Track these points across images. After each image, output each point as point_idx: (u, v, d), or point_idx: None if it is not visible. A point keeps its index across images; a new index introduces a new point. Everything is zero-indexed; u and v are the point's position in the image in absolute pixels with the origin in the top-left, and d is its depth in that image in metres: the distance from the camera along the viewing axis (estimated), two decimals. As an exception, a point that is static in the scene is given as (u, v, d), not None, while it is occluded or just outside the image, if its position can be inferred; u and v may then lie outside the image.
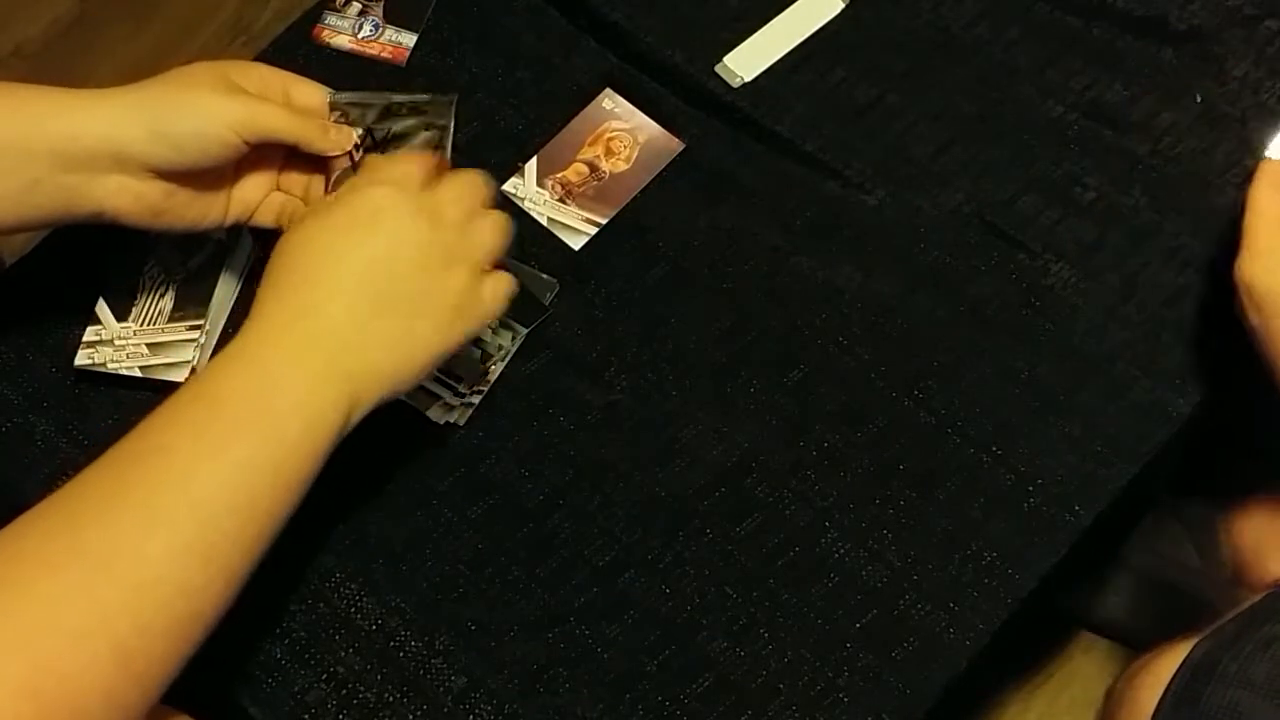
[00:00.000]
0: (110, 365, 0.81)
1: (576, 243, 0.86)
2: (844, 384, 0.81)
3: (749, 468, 0.79)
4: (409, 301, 0.67)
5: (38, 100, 0.71)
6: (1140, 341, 0.81)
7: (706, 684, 0.73)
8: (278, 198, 0.77)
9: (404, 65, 0.92)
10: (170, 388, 0.80)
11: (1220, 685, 0.72)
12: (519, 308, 0.82)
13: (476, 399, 0.81)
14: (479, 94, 0.92)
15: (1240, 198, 0.75)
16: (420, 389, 0.80)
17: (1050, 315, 0.82)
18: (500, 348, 0.82)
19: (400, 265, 0.67)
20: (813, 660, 0.73)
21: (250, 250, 0.84)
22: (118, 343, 0.82)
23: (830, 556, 0.76)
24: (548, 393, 0.82)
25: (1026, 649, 1.23)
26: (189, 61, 0.74)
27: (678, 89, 0.91)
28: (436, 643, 0.75)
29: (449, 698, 0.73)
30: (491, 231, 0.71)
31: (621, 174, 0.88)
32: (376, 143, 0.75)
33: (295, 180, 0.77)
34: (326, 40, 0.93)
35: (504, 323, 0.82)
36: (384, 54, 0.93)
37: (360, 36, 0.93)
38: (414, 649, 0.75)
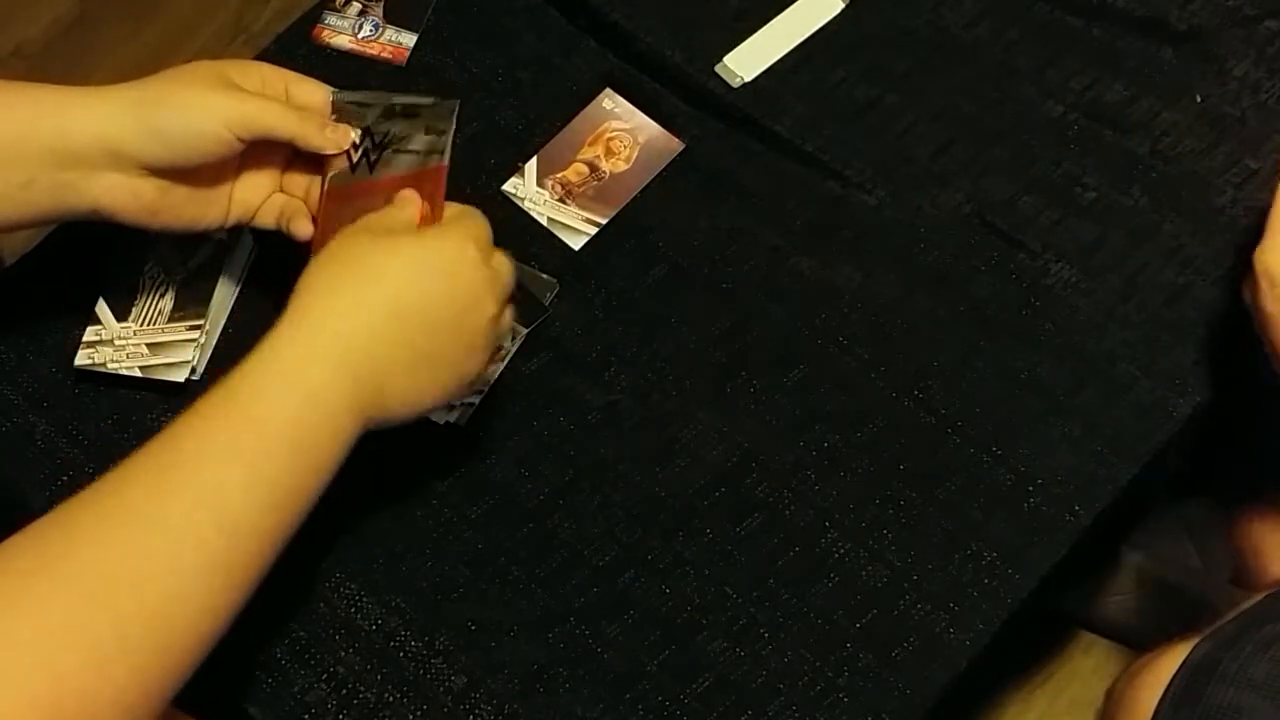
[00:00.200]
0: (110, 365, 0.81)
1: (576, 243, 0.86)
2: (844, 384, 0.81)
3: (749, 468, 0.79)
4: (451, 335, 0.68)
5: (32, 97, 0.71)
6: (1140, 341, 0.81)
7: (706, 684, 0.73)
8: (279, 199, 0.77)
9: (404, 65, 0.92)
10: (170, 388, 0.81)
11: (1221, 685, 0.72)
12: (519, 308, 0.82)
13: (476, 399, 0.81)
14: (479, 94, 0.92)
15: (1241, 197, 0.75)
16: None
17: (1050, 315, 0.82)
18: (500, 348, 0.82)
19: (444, 305, 0.67)
20: (813, 660, 0.73)
21: (250, 250, 0.84)
22: (118, 343, 0.82)
23: (830, 556, 0.76)
24: (548, 393, 0.82)
25: (1026, 649, 1.23)
26: (189, 61, 0.74)
27: (678, 89, 0.91)
28: (436, 643, 0.75)
29: (449, 698, 0.73)
30: (506, 264, 0.72)
31: (621, 174, 0.88)
32: (376, 144, 0.75)
33: (297, 181, 0.76)
34: (326, 40, 0.93)
35: (504, 323, 0.82)
36: (384, 54, 0.93)
37: (360, 36, 0.93)
38: (414, 649, 0.75)
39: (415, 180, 0.74)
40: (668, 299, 0.84)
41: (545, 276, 0.84)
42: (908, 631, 0.74)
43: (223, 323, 0.83)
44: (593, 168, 0.88)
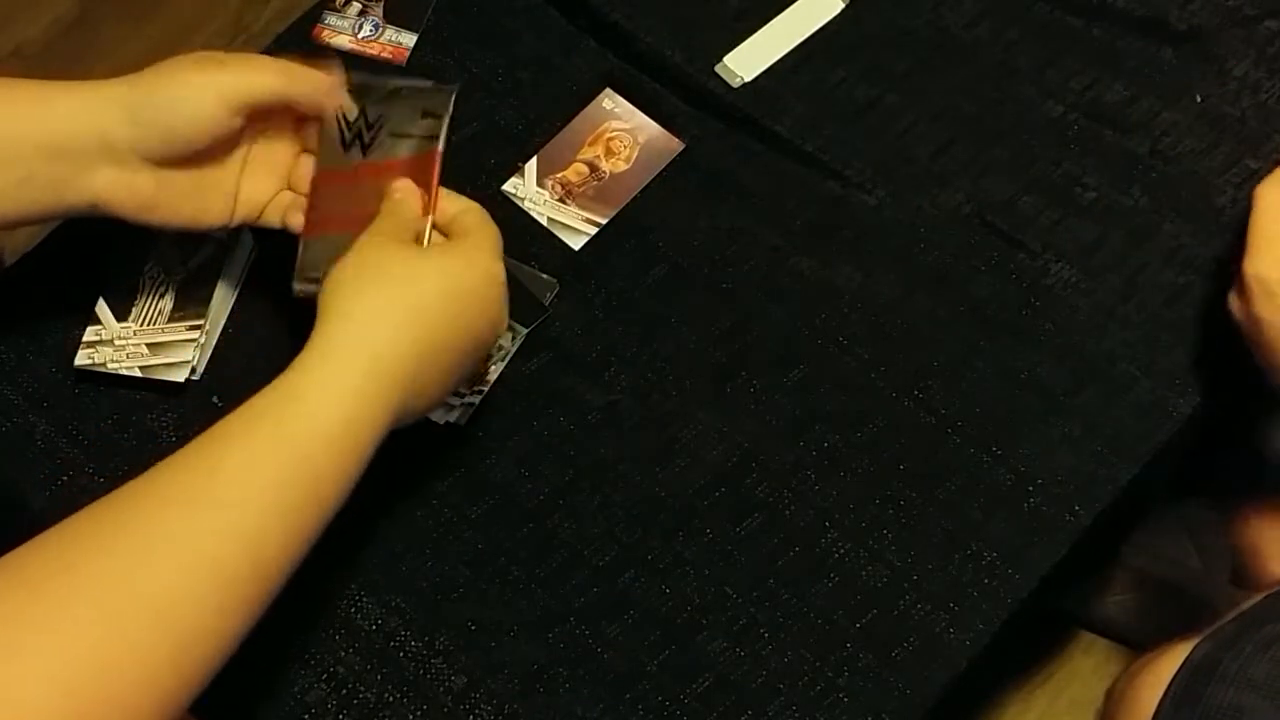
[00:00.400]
0: (110, 365, 0.81)
1: (576, 243, 0.86)
2: (844, 384, 0.81)
3: (749, 468, 0.79)
4: (475, 337, 0.70)
5: (27, 94, 0.71)
6: (1140, 341, 0.81)
7: (706, 684, 0.73)
8: (286, 196, 0.76)
9: (404, 65, 0.92)
10: (170, 388, 0.81)
11: (1221, 685, 0.72)
12: (519, 308, 0.82)
13: (476, 399, 0.81)
14: (479, 94, 0.91)
15: (1241, 197, 0.76)
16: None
17: (1050, 315, 0.82)
18: (500, 348, 0.82)
19: (468, 319, 0.69)
20: (813, 660, 0.73)
21: (250, 250, 0.84)
22: (118, 343, 0.82)
23: (830, 556, 0.76)
24: (548, 393, 0.82)
25: (1026, 649, 1.23)
26: (189, 62, 0.74)
27: (678, 89, 0.91)
28: (436, 643, 0.75)
29: (449, 698, 0.73)
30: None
31: (621, 174, 0.88)
32: (370, 125, 0.74)
33: (305, 178, 0.76)
34: (326, 40, 0.93)
35: (504, 323, 0.82)
36: (384, 54, 0.93)
37: (360, 36, 0.93)
38: (414, 649, 0.75)
39: (410, 166, 0.73)
40: (668, 299, 0.84)
41: (545, 276, 0.84)
42: (908, 631, 0.74)
43: (223, 323, 0.83)
44: (593, 168, 0.88)
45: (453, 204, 0.73)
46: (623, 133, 0.89)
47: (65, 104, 0.70)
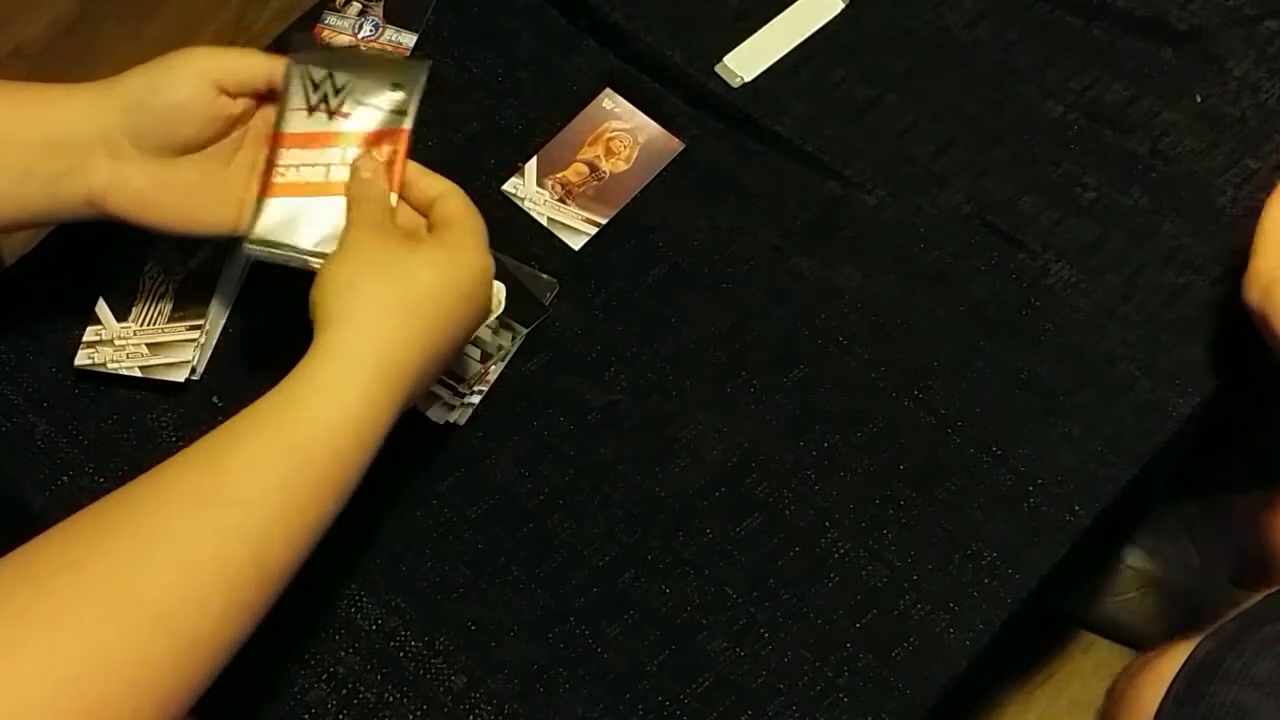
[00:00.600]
0: (110, 365, 0.81)
1: (576, 243, 0.86)
2: (844, 384, 0.81)
3: (749, 468, 0.79)
4: (466, 330, 0.70)
5: (24, 94, 0.72)
6: (1140, 341, 0.81)
7: (706, 684, 0.73)
8: None
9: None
10: (170, 388, 0.81)
11: (1224, 683, 0.72)
12: (519, 308, 0.82)
13: (476, 399, 0.81)
14: (479, 94, 0.92)
15: (1241, 197, 0.76)
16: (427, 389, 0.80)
17: (1050, 315, 0.82)
18: (500, 348, 0.82)
19: (460, 310, 0.69)
20: (813, 660, 0.73)
21: (250, 250, 0.84)
22: (118, 343, 0.82)
23: (830, 556, 0.76)
24: (548, 393, 0.82)
25: (1026, 649, 1.23)
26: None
27: (678, 89, 0.91)
28: (436, 643, 0.75)
29: (449, 698, 0.73)
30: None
31: (621, 174, 0.88)
32: (337, 89, 0.73)
33: None
34: (326, 40, 0.93)
35: (504, 323, 0.82)
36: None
37: (360, 36, 0.93)
38: (414, 649, 0.75)
39: (377, 138, 0.73)
40: (668, 299, 0.84)
41: (545, 276, 0.84)
42: (908, 631, 0.74)
43: (223, 323, 0.83)
44: (593, 168, 0.88)
45: (432, 185, 0.72)
46: (623, 133, 0.89)
47: (65, 103, 0.71)
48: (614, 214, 0.87)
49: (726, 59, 0.91)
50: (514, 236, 0.86)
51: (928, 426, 0.79)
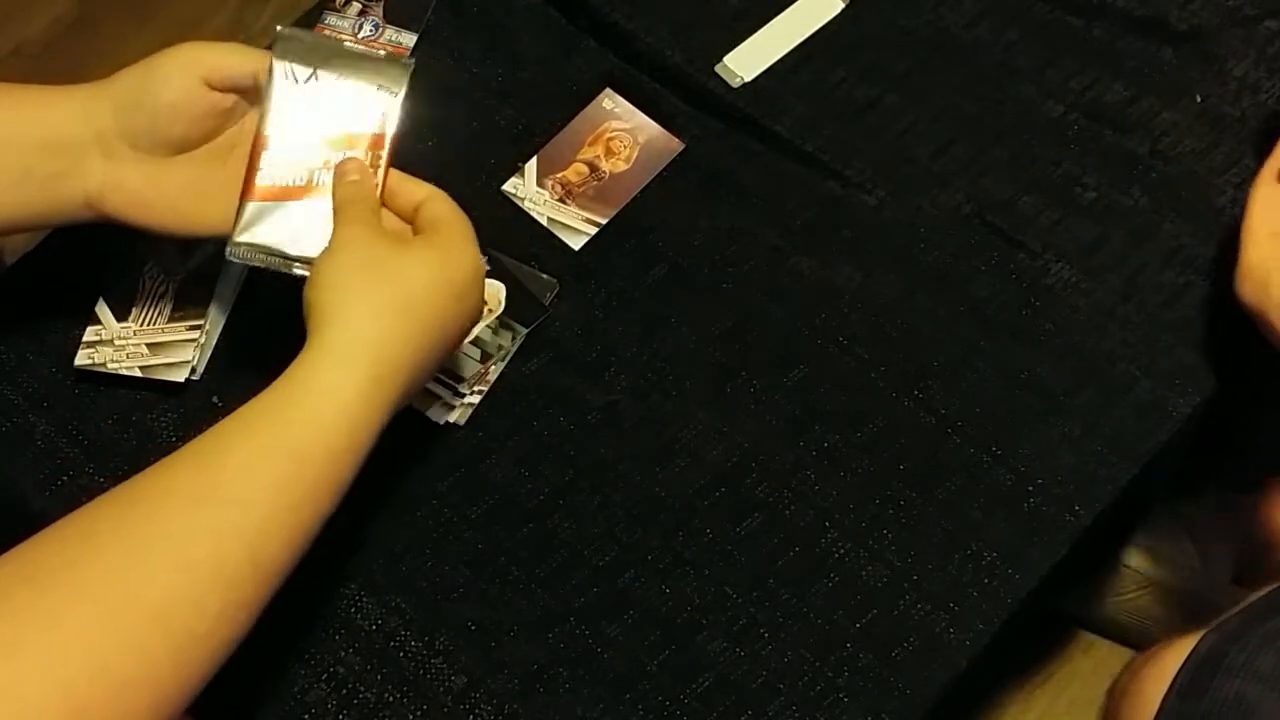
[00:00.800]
0: (110, 365, 0.81)
1: (576, 243, 0.86)
2: (844, 384, 0.81)
3: (749, 468, 0.79)
4: (460, 330, 0.70)
5: (19, 95, 0.72)
6: (1140, 341, 0.81)
7: (706, 684, 0.73)
8: None
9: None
10: (170, 388, 0.81)
11: (1227, 677, 0.72)
12: (519, 308, 0.83)
13: (476, 399, 0.81)
14: (479, 94, 0.92)
15: (1241, 197, 0.76)
16: (421, 388, 0.80)
17: (1050, 315, 0.82)
18: (500, 348, 0.82)
19: (454, 309, 0.69)
20: (813, 660, 0.73)
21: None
22: (118, 343, 0.82)
23: (830, 556, 0.76)
24: (548, 393, 0.82)
25: (1026, 649, 1.23)
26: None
27: (678, 89, 0.91)
28: (436, 643, 0.75)
29: (449, 698, 0.73)
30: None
31: (621, 174, 0.88)
32: (322, 89, 0.73)
33: None
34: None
35: (504, 323, 0.83)
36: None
37: (360, 36, 0.93)
38: (414, 649, 0.75)
39: (361, 140, 0.72)
40: (668, 299, 0.84)
41: (545, 276, 0.84)
42: (908, 631, 0.74)
43: (223, 323, 0.83)
44: (593, 168, 0.88)
45: (416, 190, 0.72)
46: (623, 133, 0.89)
47: (61, 104, 0.71)
48: (614, 214, 0.87)
49: (726, 59, 0.91)
50: (514, 236, 0.86)
51: (928, 426, 0.79)
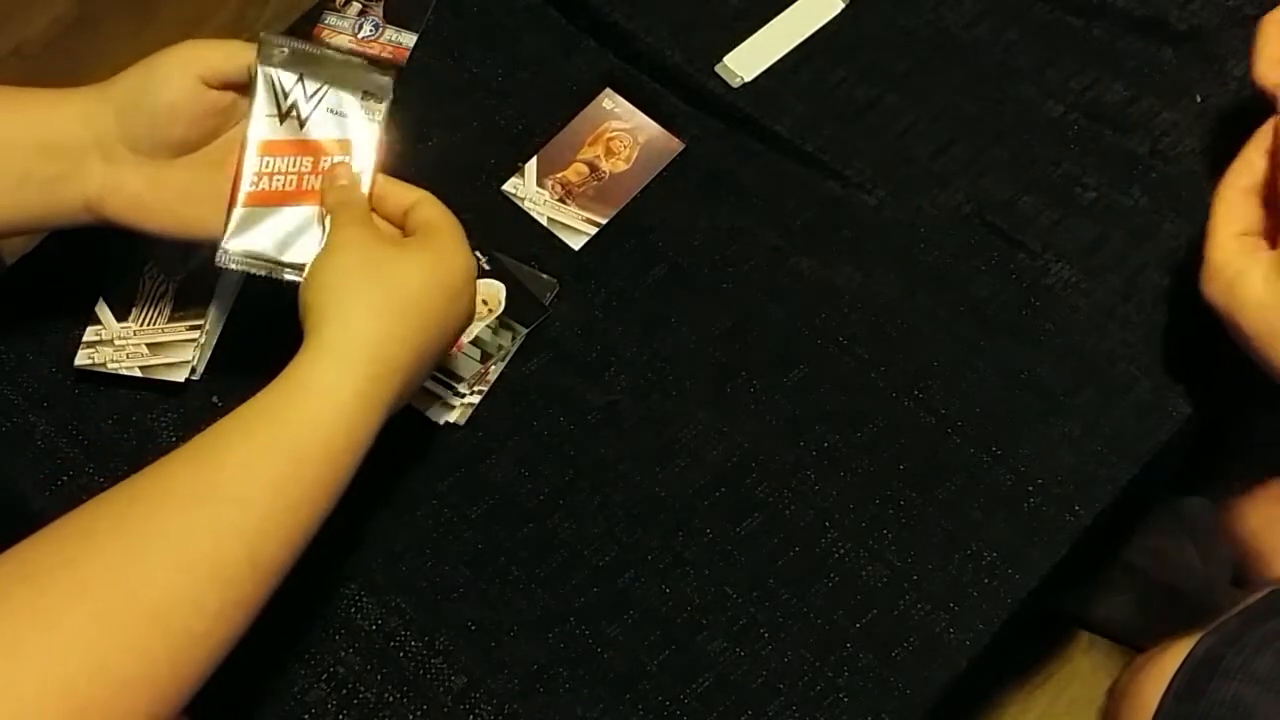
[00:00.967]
0: (110, 365, 0.81)
1: (576, 243, 0.86)
2: (844, 384, 0.81)
3: (749, 468, 0.79)
4: (454, 331, 0.70)
5: (19, 98, 0.72)
6: (1140, 341, 0.81)
7: (706, 684, 0.73)
8: None
9: (404, 65, 0.92)
10: (170, 388, 0.81)
11: (1224, 679, 0.72)
12: (519, 308, 0.83)
13: (476, 399, 0.81)
14: (479, 94, 0.92)
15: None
16: (421, 389, 0.80)
17: (1050, 315, 0.82)
18: (500, 348, 0.82)
19: (448, 310, 0.69)
20: (813, 660, 0.73)
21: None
22: (118, 343, 0.82)
23: (830, 556, 0.76)
24: (548, 393, 0.82)
25: (1026, 649, 1.23)
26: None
27: (678, 89, 0.91)
28: (436, 643, 0.75)
29: (449, 698, 0.73)
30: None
31: (621, 174, 0.88)
32: (308, 96, 0.73)
33: None
34: (326, 40, 0.93)
35: (504, 323, 0.83)
36: (384, 54, 0.93)
37: (360, 36, 0.93)
38: (414, 649, 0.75)
39: (349, 146, 0.72)
40: (668, 299, 0.84)
41: (545, 276, 0.84)
42: (908, 631, 0.74)
43: (223, 323, 0.83)
44: (593, 168, 0.88)
45: (405, 194, 0.72)
46: (623, 133, 0.89)
47: (60, 107, 0.71)
48: (614, 214, 0.87)
49: (726, 59, 0.91)
50: (514, 236, 0.86)
51: (928, 426, 0.79)
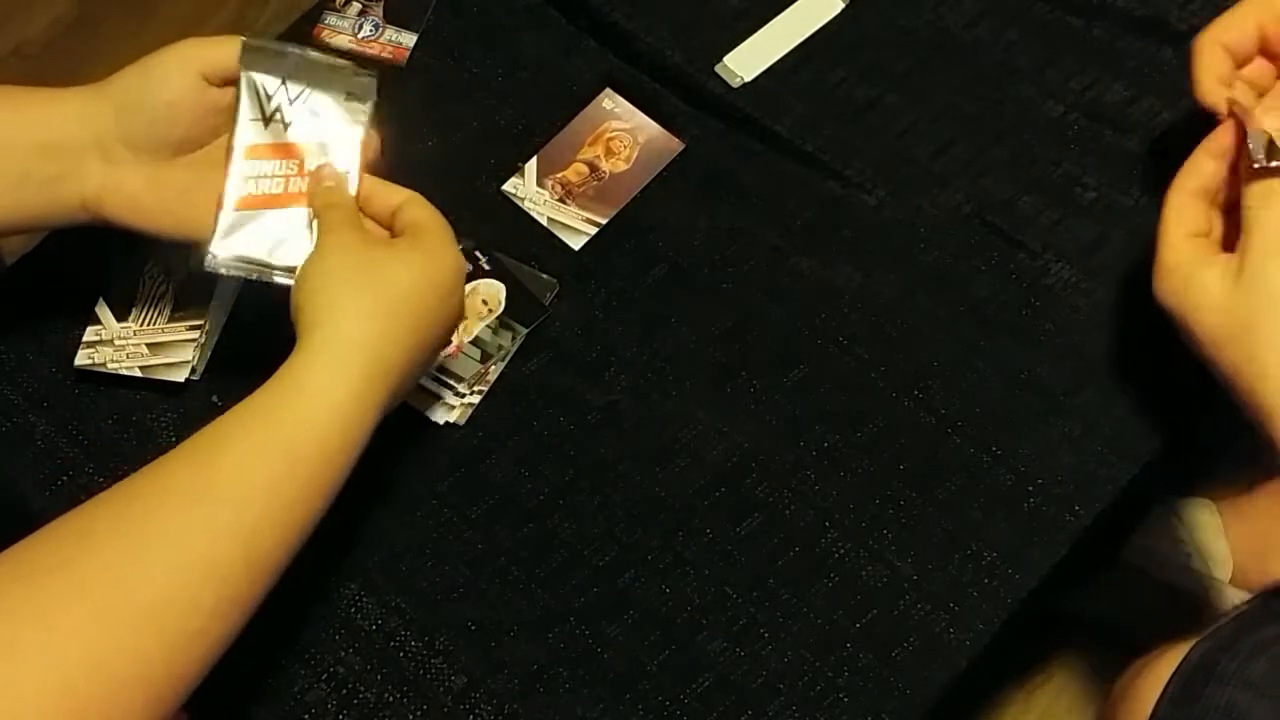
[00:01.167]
0: (110, 365, 0.81)
1: (576, 243, 0.86)
2: (844, 384, 0.81)
3: (749, 468, 0.79)
4: (445, 330, 0.70)
5: (18, 97, 0.72)
6: (1140, 342, 0.81)
7: (706, 684, 0.73)
8: None
9: (404, 65, 0.92)
10: (170, 388, 0.81)
11: (1218, 685, 0.72)
12: (519, 308, 0.83)
13: (476, 399, 0.81)
14: (479, 94, 0.92)
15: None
16: (420, 389, 0.80)
17: (1050, 315, 0.82)
18: (500, 348, 0.82)
19: (440, 308, 0.69)
20: (813, 660, 0.73)
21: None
22: (118, 343, 0.82)
23: (830, 556, 0.76)
24: (548, 393, 0.82)
25: (1026, 649, 1.23)
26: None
27: (678, 89, 0.91)
28: (436, 643, 0.75)
29: (449, 698, 0.73)
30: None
31: (621, 174, 0.88)
32: (292, 100, 0.73)
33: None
34: (326, 40, 0.93)
35: (504, 323, 0.83)
36: (384, 54, 0.93)
37: (360, 36, 0.93)
38: (414, 649, 0.75)
39: (334, 149, 0.73)
40: (668, 299, 0.84)
41: (545, 276, 0.85)
42: (908, 631, 0.74)
43: (223, 323, 0.83)
44: (593, 168, 0.88)
45: (393, 195, 0.72)
46: (623, 133, 0.89)
47: (59, 106, 0.71)
48: (614, 214, 0.87)
49: (726, 59, 0.91)
50: (514, 236, 0.86)
51: (928, 426, 0.79)
